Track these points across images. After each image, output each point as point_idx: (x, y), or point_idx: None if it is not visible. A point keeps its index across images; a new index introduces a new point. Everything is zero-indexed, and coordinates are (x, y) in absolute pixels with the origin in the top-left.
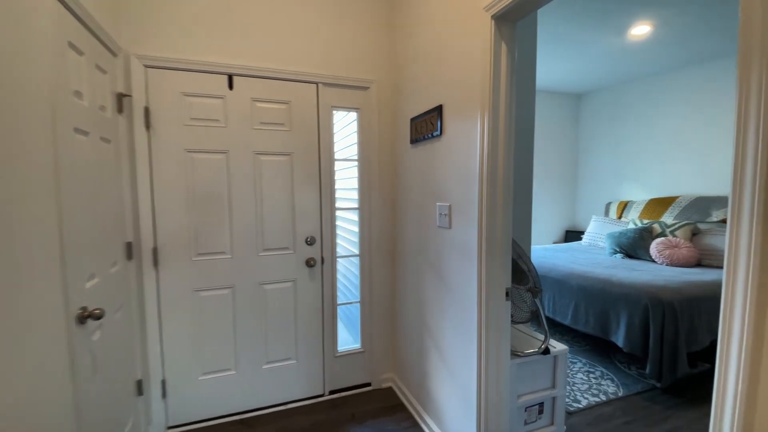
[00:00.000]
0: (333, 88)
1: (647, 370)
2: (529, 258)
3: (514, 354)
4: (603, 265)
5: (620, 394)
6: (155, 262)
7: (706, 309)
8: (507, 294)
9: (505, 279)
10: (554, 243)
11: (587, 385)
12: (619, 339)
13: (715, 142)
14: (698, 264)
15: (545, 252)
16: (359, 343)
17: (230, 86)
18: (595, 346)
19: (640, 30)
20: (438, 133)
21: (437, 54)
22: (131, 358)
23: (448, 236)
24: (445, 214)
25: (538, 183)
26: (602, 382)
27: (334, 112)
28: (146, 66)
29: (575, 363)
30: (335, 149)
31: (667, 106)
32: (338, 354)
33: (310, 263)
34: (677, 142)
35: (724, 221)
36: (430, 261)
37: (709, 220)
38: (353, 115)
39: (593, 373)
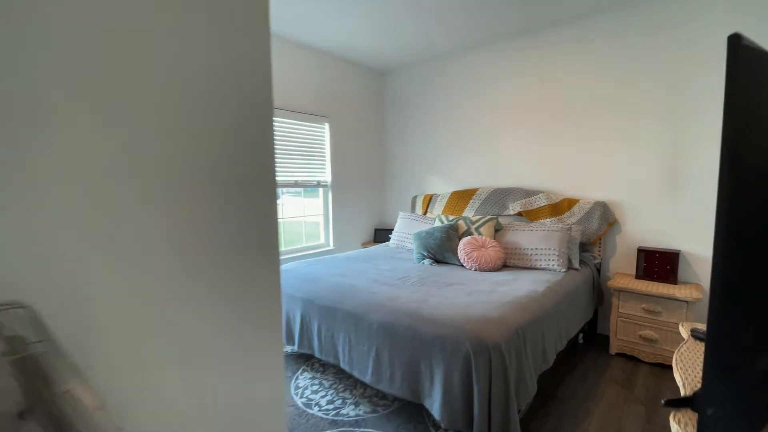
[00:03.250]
0: None
1: None
2: None
3: None
4: (411, 280)
5: None
6: None
7: (532, 341)
8: None
9: None
10: (363, 245)
11: None
12: (435, 406)
13: (516, 130)
14: (504, 265)
15: (347, 264)
16: None
17: None
18: (403, 401)
19: None
20: None
21: None
22: None
23: None
24: None
25: (343, 177)
26: None
27: None
28: None
29: None
30: None
31: (467, 89)
32: None
33: None
34: (476, 130)
35: (520, 214)
36: None
37: (506, 213)
38: None
39: None
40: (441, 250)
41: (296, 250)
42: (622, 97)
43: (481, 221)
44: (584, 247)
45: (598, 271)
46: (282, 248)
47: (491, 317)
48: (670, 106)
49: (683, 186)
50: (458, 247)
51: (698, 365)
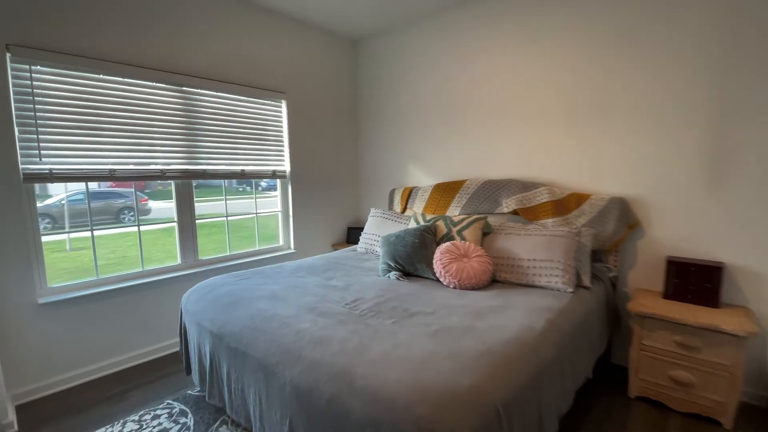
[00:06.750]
0: None
1: None
2: None
3: None
4: (362, 306)
5: None
6: None
7: (522, 422)
8: None
9: None
10: (333, 246)
11: None
12: None
13: (513, 109)
14: (494, 280)
15: (289, 278)
16: None
17: None
18: None
19: None
20: None
21: None
22: None
23: None
24: None
25: (306, 167)
26: None
27: None
28: None
29: None
30: None
31: (456, 60)
32: None
33: None
34: (466, 110)
35: (515, 212)
36: None
37: (498, 211)
38: None
39: None
40: (412, 260)
41: (245, 255)
42: (648, 61)
43: (465, 222)
44: (596, 255)
45: (614, 286)
46: (227, 252)
47: (458, 388)
48: (715, 74)
49: (728, 179)
50: (434, 256)
51: None
